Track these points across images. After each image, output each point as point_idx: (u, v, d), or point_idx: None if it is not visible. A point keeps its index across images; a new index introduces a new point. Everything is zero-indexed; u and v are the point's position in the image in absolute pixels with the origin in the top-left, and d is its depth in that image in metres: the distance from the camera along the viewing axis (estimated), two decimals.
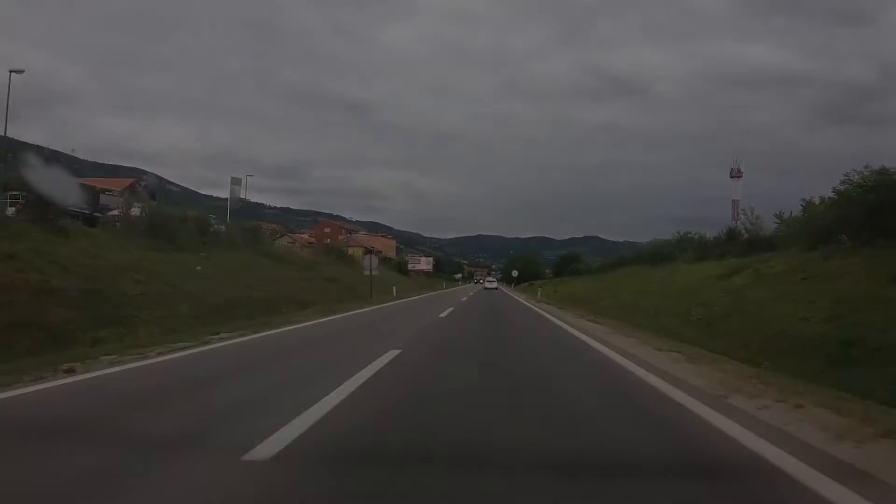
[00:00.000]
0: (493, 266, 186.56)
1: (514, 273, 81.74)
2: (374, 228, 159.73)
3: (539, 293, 33.81)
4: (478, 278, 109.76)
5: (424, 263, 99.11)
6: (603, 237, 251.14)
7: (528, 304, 26.77)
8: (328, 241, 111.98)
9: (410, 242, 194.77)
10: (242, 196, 54.24)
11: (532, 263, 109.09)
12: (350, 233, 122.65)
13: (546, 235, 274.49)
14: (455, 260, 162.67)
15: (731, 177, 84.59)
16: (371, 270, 28.41)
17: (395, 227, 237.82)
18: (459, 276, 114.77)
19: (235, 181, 52.87)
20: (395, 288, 32.85)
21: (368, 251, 36.55)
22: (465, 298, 30.06)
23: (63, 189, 15.52)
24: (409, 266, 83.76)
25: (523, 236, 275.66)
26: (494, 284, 67.14)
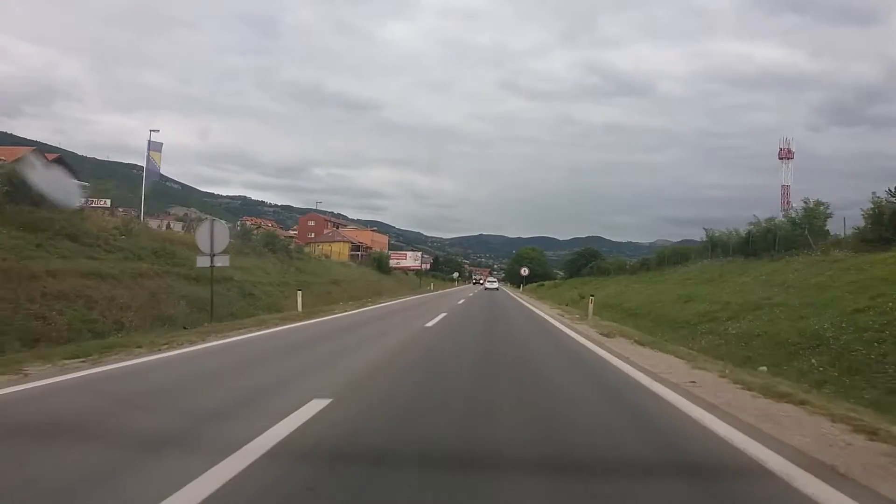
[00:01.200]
0: (495, 266, 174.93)
1: (525, 271, 67.32)
2: (374, 227, 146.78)
3: (590, 309, 16.18)
4: (477, 278, 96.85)
5: (411, 260, 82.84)
6: (606, 238, 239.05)
7: (581, 341, 10.83)
8: (312, 234, 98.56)
9: (412, 242, 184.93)
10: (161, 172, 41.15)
11: (539, 262, 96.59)
12: (337, 226, 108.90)
13: (549, 235, 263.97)
14: (456, 259, 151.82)
15: (780, 158, 72.17)
16: (212, 257, 13.06)
17: (397, 227, 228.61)
18: (456, 275, 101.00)
19: (155, 146, 39.69)
20: (300, 294, 17.14)
21: (209, 219, 18.03)
22: (434, 321, 14.31)
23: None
24: (394, 262, 69.31)
25: (526, 236, 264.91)
26: (496, 285, 62.95)
